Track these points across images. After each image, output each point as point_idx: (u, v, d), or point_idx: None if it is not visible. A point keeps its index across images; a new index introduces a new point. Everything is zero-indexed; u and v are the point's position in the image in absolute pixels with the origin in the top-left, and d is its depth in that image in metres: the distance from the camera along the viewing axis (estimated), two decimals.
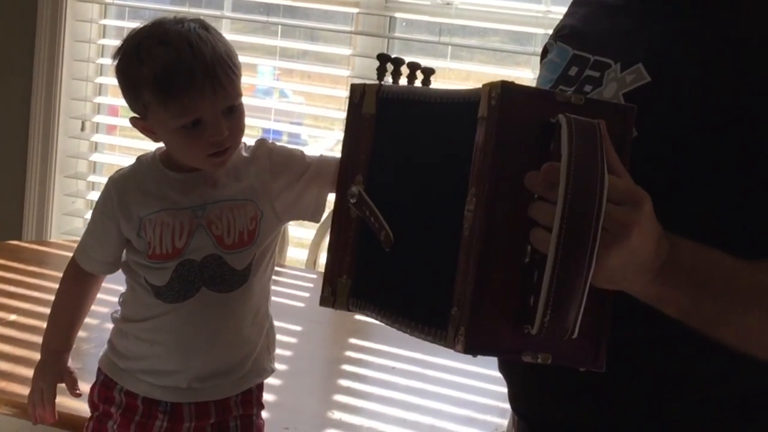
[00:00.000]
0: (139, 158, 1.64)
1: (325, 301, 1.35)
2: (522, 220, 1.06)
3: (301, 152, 1.63)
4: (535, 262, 1.06)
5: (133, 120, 1.59)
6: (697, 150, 1.17)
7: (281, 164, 1.62)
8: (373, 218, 1.28)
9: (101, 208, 1.62)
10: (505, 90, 1.09)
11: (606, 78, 1.26)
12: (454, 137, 1.15)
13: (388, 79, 1.36)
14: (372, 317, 1.29)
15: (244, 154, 1.61)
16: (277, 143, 1.66)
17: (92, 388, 1.69)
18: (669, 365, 1.22)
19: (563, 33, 1.42)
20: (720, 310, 1.14)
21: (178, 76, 1.49)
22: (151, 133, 1.58)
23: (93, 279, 1.69)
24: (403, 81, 1.35)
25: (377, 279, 1.29)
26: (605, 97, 1.25)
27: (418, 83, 1.32)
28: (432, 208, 1.19)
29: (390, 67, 1.36)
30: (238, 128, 1.55)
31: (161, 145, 1.61)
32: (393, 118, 1.31)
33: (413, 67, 1.32)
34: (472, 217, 1.09)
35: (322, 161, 1.60)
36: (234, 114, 1.54)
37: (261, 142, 1.64)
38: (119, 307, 1.68)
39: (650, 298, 1.13)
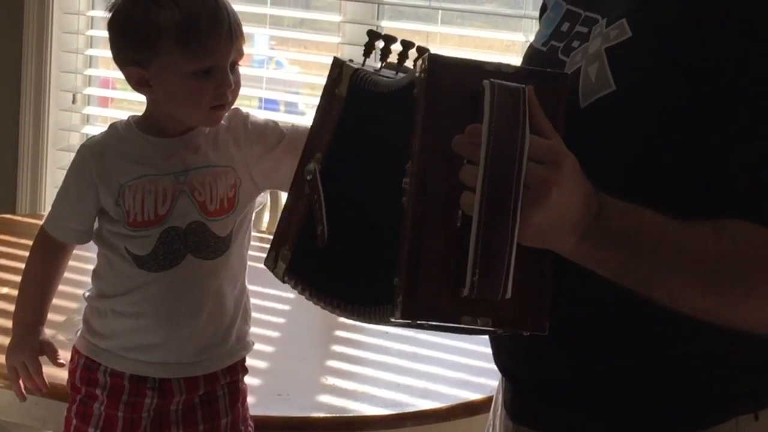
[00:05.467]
0: (112, 125, 1.64)
1: (267, 264, 1.36)
2: (455, 187, 1.07)
3: (275, 122, 1.65)
4: (466, 226, 1.06)
5: (129, 71, 1.58)
6: (673, 105, 1.17)
7: (256, 132, 1.62)
8: (317, 206, 1.28)
9: (76, 175, 1.61)
10: (432, 61, 1.10)
11: (593, 33, 1.26)
12: (400, 131, 1.15)
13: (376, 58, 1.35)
14: (302, 294, 1.30)
15: (222, 121, 1.61)
16: (251, 113, 1.66)
17: (72, 371, 1.67)
18: (653, 320, 1.22)
19: None
20: (648, 273, 1.14)
21: (205, 20, 1.51)
22: (145, 87, 1.57)
23: (64, 249, 1.68)
24: (393, 59, 1.33)
25: (316, 262, 1.29)
26: (590, 52, 1.24)
27: (409, 63, 1.30)
28: (378, 200, 1.19)
29: (380, 44, 1.35)
30: (237, 87, 1.57)
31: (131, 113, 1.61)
32: (360, 107, 1.30)
33: (407, 45, 1.30)
34: (408, 189, 1.10)
35: (296, 131, 1.62)
36: (235, 72, 1.56)
37: (236, 111, 1.64)
38: (91, 286, 1.66)
39: (580, 259, 1.13)
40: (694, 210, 1.15)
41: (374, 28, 3.45)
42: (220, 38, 1.52)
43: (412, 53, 1.28)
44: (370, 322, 1.20)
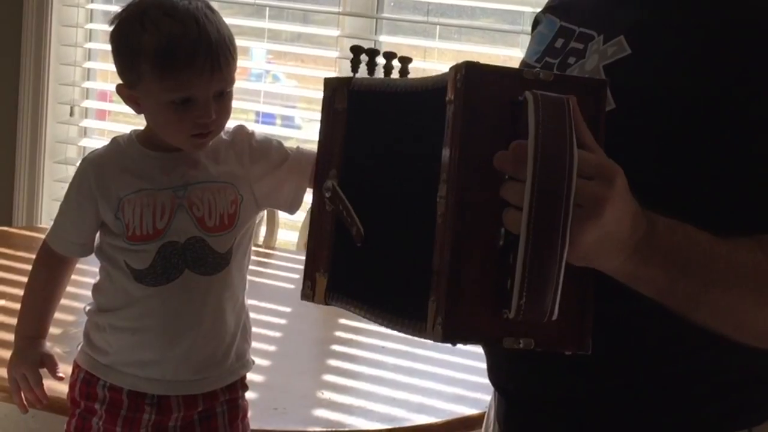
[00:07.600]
0: (114, 139, 1.63)
1: (305, 296, 1.35)
2: (495, 202, 1.03)
3: (279, 141, 1.64)
4: (509, 244, 1.02)
5: (119, 87, 1.58)
6: (674, 123, 1.17)
7: (261, 150, 1.62)
8: (345, 213, 1.27)
9: (77, 188, 1.61)
10: (469, 70, 1.05)
11: (589, 50, 1.26)
12: (422, 127, 1.13)
13: (364, 72, 1.36)
14: (351, 311, 1.28)
15: (224, 137, 1.61)
16: (255, 131, 1.65)
17: (72, 385, 1.67)
18: (647, 338, 1.22)
19: (553, 5, 1.42)
20: (696, 290, 1.13)
21: (181, 51, 1.48)
22: (135, 104, 1.57)
23: (66, 263, 1.67)
24: (379, 72, 1.33)
25: (353, 273, 1.28)
26: (586, 69, 1.24)
27: (395, 73, 1.30)
28: (404, 200, 1.17)
29: (365, 58, 1.35)
30: (225, 113, 1.56)
31: (136, 127, 1.61)
32: (364, 111, 1.30)
33: (389, 56, 1.31)
34: (444, 203, 1.06)
35: (301, 153, 1.61)
36: (223, 99, 1.54)
37: (240, 128, 1.64)
38: (92, 301, 1.66)
39: (626, 277, 1.11)
40: (703, 227, 1.14)
41: (372, 44, 3.48)
42: (197, 71, 1.49)
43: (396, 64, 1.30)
44: (405, 333, 1.15)
